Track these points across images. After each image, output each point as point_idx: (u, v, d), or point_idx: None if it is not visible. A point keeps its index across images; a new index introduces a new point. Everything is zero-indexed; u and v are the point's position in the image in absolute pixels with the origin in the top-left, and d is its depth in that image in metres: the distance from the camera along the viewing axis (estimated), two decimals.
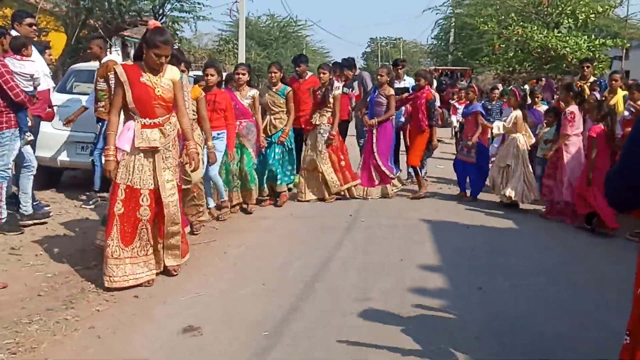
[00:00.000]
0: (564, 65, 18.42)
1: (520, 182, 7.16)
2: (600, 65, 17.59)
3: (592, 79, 9.16)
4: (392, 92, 7.72)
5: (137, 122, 4.23)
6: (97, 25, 19.37)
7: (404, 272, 4.79)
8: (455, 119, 9.86)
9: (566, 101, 6.96)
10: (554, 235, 6.23)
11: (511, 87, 8.76)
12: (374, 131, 7.77)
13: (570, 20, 18.64)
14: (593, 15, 18.44)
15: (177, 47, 7.34)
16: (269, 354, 3.33)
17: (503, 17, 20.00)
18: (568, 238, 6.11)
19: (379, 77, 7.77)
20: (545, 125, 7.79)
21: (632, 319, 1.78)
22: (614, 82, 7.79)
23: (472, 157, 7.76)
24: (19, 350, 3.26)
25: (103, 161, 4.48)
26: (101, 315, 3.78)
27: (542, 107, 8.48)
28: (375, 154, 7.75)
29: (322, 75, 7.42)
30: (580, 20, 18.52)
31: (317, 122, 7.45)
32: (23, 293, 4.08)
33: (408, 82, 9.65)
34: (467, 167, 7.90)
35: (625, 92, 7.57)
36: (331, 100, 7.36)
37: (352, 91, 9.32)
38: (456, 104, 9.73)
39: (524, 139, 7.37)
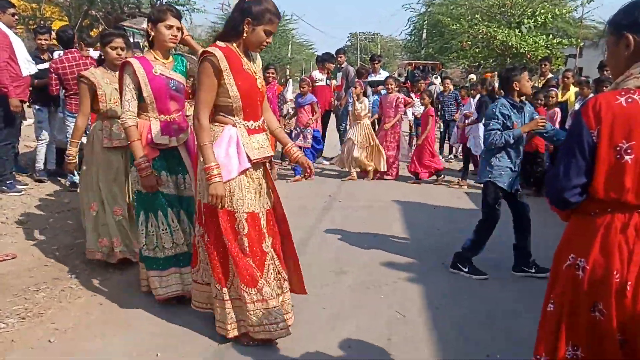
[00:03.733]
0: (524, 61, 18.59)
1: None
2: (556, 62, 17.81)
3: (549, 75, 9.28)
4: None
5: (240, 127, 2.86)
6: (98, 16, 19.03)
7: (376, 249, 4.85)
8: (411, 112, 9.93)
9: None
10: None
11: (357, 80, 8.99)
12: None
13: (530, 21, 18.78)
14: (551, 17, 18.58)
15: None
16: None
17: (470, 17, 20.08)
18: None
19: None
20: None
21: (555, 285, 1.86)
22: (566, 79, 7.92)
23: (309, 143, 8.12)
24: (27, 315, 3.27)
25: (206, 184, 2.76)
26: (103, 284, 3.79)
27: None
28: None
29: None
30: (540, 22, 18.66)
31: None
32: (31, 263, 4.07)
33: (383, 75, 9.67)
34: (305, 152, 8.07)
35: (577, 89, 7.69)
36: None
37: (334, 83, 9.36)
38: (413, 97, 9.78)
39: (368, 122, 8.15)
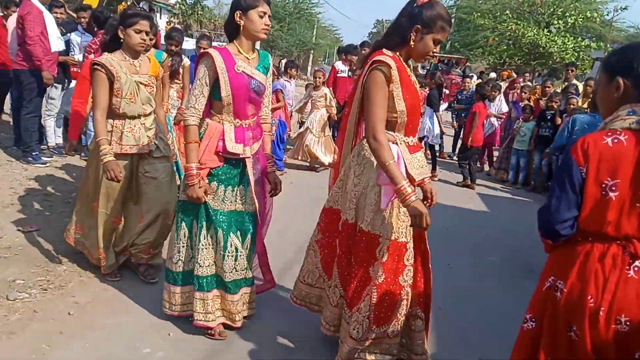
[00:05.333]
0: (550, 62, 18.42)
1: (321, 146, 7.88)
2: (583, 65, 17.64)
3: (573, 81, 9.27)
4: None
5: (401, 144, 2.61)
6: None
7: None
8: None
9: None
10: (521, 218, 6.42)
11: (317, 69, 8.79)
12: None
13: (560, 21, 18.54)
14: (581, 19, 18.34)
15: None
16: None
17: (499, 13, 19.87)
18: (532, 221, 6.29)
19: (201, 50, 6.29)
20: (522, 120, 8.12)
21: (536, 305, 1.97)
22: (588, 87, 7.90)
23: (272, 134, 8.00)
24: (49, 287, 3.46)
25: (405, 204, 2.43)
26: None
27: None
28: None
29: (174, 47, 5.67)
30: (570, 23, 18.43)
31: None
32: (54, 236, 4.24)
33: None
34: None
35: None
36: (181, 71, 5.75)
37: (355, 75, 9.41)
38: (445, 91, 9.85)
39: (325, 113, 7.91)
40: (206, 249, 2.98)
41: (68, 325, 3.05)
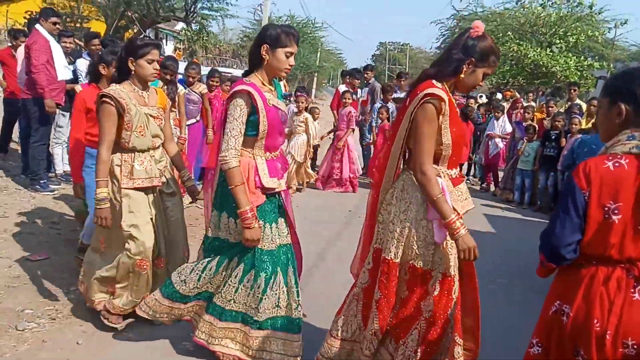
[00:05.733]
0: (553, 81, 18.52)
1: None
2: (586, 84, 17.72)
3: (577, 100, 9.34)
4: (205, 90, 6.61)
5: (445, 176, 2.54)
6: (133, 18, 19.56)
7: None
8: None
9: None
10: (526, 238, 6.39)
11: (299, 93, 8.57)
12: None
13: (561, 41, 18.68)
14: (583, 38, 18.47)
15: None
16: None
17: (501, 34, 20.05)
18: (538, 240, 6.27)
19: (190, 78, 6.52)
20: (526, 140, 8.17)
21: (543, 329, 1.98)
22: (592, 107, 7.95)
23: None
24: (57, 316, 3.48)
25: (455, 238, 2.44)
26: None
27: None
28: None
29: (169, 76, 5.60)
30: (571, 42, 18.56)
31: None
32: (62, 265, 4.27)
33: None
34: None
35: None
36: (176, 99, 5.75)
37: (359, 97, 9.52)
38: None
39: (306, 138, 7.92)
40: (233, 286, 2.91)
41: (76, 355, 3.06)
